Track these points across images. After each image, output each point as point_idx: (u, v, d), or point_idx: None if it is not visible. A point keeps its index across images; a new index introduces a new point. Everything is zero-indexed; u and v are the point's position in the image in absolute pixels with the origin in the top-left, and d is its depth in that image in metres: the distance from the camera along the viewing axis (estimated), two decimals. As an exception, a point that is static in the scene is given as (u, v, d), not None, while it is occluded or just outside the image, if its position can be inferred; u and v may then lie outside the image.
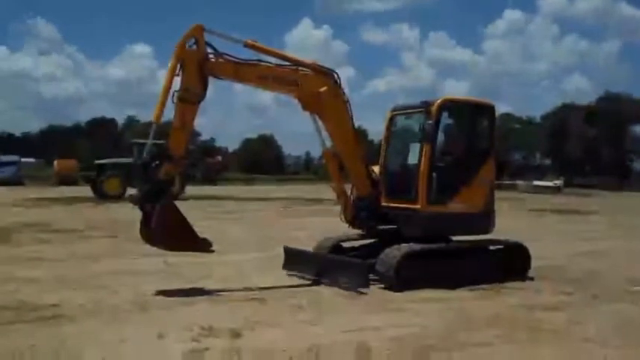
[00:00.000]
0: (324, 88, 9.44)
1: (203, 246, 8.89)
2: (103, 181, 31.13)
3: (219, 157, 59.36)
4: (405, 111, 10.52)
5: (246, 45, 9.22)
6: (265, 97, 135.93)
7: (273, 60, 9.41)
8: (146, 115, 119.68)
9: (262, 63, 9.23)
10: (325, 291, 9.05)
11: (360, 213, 10.01)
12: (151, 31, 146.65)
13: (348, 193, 10.19)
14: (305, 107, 9.63)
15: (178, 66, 8.55)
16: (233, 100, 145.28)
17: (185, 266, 10.61)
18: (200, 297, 8.47)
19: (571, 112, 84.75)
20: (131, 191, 31.20)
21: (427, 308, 8.04)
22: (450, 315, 7.65)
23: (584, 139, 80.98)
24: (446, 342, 6.51)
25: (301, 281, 9.71)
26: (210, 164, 54.87)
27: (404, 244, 9.30)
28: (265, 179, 66.73)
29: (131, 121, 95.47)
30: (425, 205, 9.52)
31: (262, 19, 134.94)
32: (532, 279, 10.13)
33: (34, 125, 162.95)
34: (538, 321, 7.47)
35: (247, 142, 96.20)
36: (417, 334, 6.76)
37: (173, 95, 8.50)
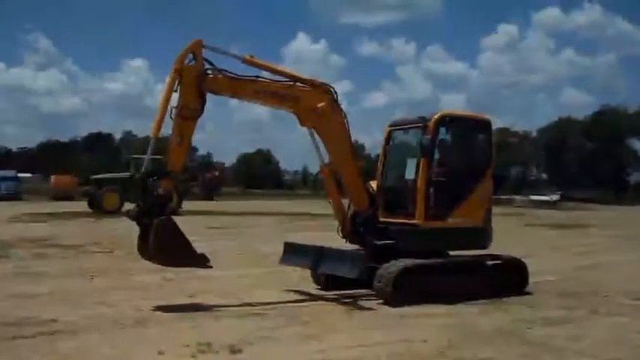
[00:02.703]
0: (321, 104, 9.44)
1: (201, 262, 8.79)
2: (101, 196, 31.11)
3: (217, 172, 59.22)
4: (402, 126, 10.56)
5: (244, 61, 9.26)
6: (262, 111, 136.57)
7: (272, 75, 9.43)
8: (144, 130, 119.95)
9: (260, 79, 9.24)
10: (326, 306, 9.07)
11: (357, 228, 9.98)
12: (148, 45, 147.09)
13: (346, 208, 10.17)
14: (302, 122, 9.63)
15: (177, 81, 8.56)
16: (230, 115, 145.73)
17: (184, 282, 10.61)
18: (199, 312, 8.47)
19: (568, 125, 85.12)
20: (129, 206, 31.46)
21: (427, 323, 8.03)
22: (450, 330, 7.64)
23: (580, 153, 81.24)
24: (445, 357, 6.51)
25: (302, 296, 9.72)
26: (208, 179, 54.77)
27: (403, 260, 9.26)
28: (262, 194, 66.67)
29: (129, 136, 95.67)
30: (423, 220, 9.54)
31: (258, 34, 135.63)
32: (531, 294, 10.13)
33: (32, 140, 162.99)
34: (537, 336, 7.47)
35: (244, 157, 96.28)
36: (418, 350, 6.76)
37: (171, 111, 8.50)
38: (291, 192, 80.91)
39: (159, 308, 8.62)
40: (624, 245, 19.91)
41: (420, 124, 9.87)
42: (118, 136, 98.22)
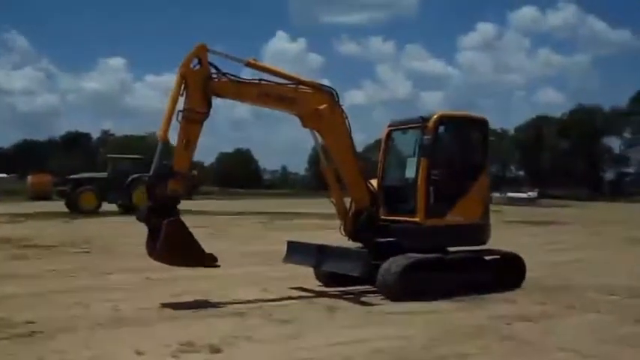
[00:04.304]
0: (323, 106, 9.62)
1: (209, 261, 8.99)
2: (78, 196, 30.79)
3: (195, 172, 58.90)
4: (401, 126, 10.75)
5: (247, 64, 9.45)
6: (242, 111, 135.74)
7: (274, 78, 9.58)
8: (121, 129, 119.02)
9: (264, 82, 9.39)
10: (308, 305, 9.06)
11: (359, 226, 10.13)
12: (125, 44, 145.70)
13: (348, 207, 10.31)
14: (305, 124, 9.81)
15: (182, 85, 8.70)
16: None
17: (164, 281, 10.54)
18: (180, 312, 8.42)
19: (544, 124, 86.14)
20: (106, 206, 31.20)
21: (409, 320, 8.07)
22: (431, 327, 7.69)
23: (557, 151, 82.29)
24: (427, 354, 6.55)
25: (284, 295, 9.70)
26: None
27: (406, 256, 9.45)
28: (242, 194, 66.48)
29: (106, 135, 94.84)
30: (424, 218, 9.75)
31: (237, 32, 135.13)
32: (511, 290, 10.22)
33: (7, 140, 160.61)
34: (515, 332, 7.53)
35: (223, 157, 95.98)
36: (400, 347, 6.78)
37: (178, 114, 8.64)
38: (271, 191, 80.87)
39: (138, 308, 8.56)
40: (599, 241, 20.20)
41: (419, 124, 10.07)
42: (95, 135, 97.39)
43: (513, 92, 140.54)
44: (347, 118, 10.00)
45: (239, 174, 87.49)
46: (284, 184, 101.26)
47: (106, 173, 32.98)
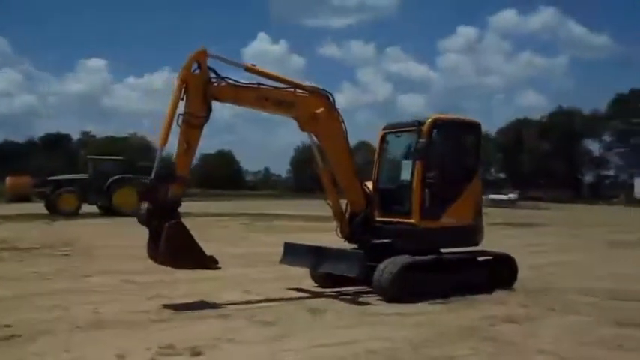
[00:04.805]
0: (320, 109, 9.77)
1: (210, 263, 9.11)
2: (58, 198, 30.48)
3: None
4: (396, 129, 10.87)
5: (246, 69, 9.55)
6: (224, 113, 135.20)
7: (272, 83, 9.67)
8: (102, 131, 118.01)
9: (262, 86, 9.49)
10: (290, 307, 9.04)
11: (355, 228, 10.24)
12: (106, 45, 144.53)
13: (344, 209, 10.42)
14: (302, 127, 9.96)
15: (182, 90, 8.78)
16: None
17: (145, 284, 10.48)
18: (161, 314, 8.36)
19: (524, 126, 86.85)
20: (87, 208, 30.90)
21: (395, 321, 8.11)
22: (419, 328, 7.74)
23: (537, 154, 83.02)
24: (416, 355, 6.59)
25: (266, 297, 9.68)
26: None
27: (402, 257, 9.56)
28: (224, 195, 66.22)
29: (87, 137, 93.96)
30: (419, 220, 9.89)
31: (218, 34, 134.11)
32: (495, 291, 10.28)
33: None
34: (499, 334, 7.58)
35: (205, 158, 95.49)
36: (388, 348, 6.79)
37: (178, 118, 8.71)
38: (254, 193, 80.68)
39: (118, 311, 8.49)
40: (580, 244, 20.40)
41: (414, 128, 10.21)
42: (76, 137, 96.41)
43: (494, 95, 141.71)
44: (343, 121, 10.18)
45: (221, 176, 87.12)
46: (266, 185, 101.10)
47: (86, 175, 32.67)
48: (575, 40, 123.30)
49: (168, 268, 9.23)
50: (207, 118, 8.96)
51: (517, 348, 6.99)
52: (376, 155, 10.99)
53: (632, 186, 70.06)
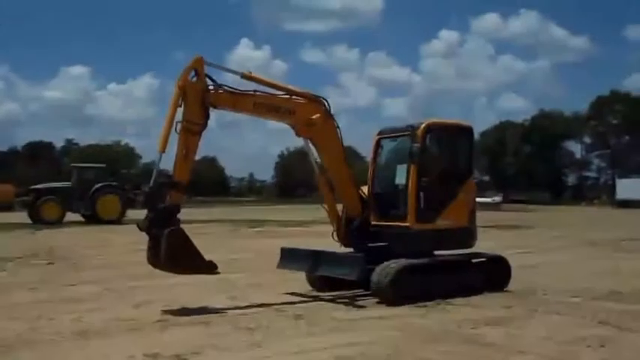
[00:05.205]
0: (316, 115, 9.93)
1: (210, 268, 9.21)
2: (40, 206, 30.25)
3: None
4: (391, 134, 10.99)
5: (243, 76, 9.65)
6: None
7: (269, 90, 9.81)
8: (85, 138, 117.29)
9: (259, 93, 9.62)
10: (276, 313, 9.05)
11: (352, 232, 10.37)
12: (87, 53, 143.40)
13: (340, 213, 10.54)
14: (298, 133, 10.09)
15: (180, 98, 8.89)
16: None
17: (127, 292, 10.46)
18: (145, 322, 8.34)
19: (507, 129, 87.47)
20: (71, 216, 30.67)
21: (375, 326, 8.14)
22: (396, 333, 7.76)
23: (520, 156, 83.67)
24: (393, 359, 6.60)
25: (248, 303, 9.68)
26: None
27: (399, 260, 9.65)
28: (208, 201, 66.00)
29: (70, 145, 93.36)
30: (414, 223, 9.98)
31: (201, 39, 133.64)
32: (476, 294, 10.36)
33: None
34: (480, 336, 7.63)
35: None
36: (364, 354, 6.81)
37: (176, 126, 8.84)
38: (238, 199, 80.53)
39: (102, 319, 8.47)
40: (562, 245, 20.59)
41: (408, 132, 10.34)
42: (59, 144, 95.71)
43: (476, 98, 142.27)
44: (339, 127, 10.32)
45: (205, 181, 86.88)
46: (251, 191, 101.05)
47: (69, 183, 32.47)
48: (556, 43, 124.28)
49: (158, 271, 9.30)
50: (205, 124, 9.11)
51: (496, 349, 7.02)
52: (371, 160, 11.11)
53: (613, 187, 70.75)
